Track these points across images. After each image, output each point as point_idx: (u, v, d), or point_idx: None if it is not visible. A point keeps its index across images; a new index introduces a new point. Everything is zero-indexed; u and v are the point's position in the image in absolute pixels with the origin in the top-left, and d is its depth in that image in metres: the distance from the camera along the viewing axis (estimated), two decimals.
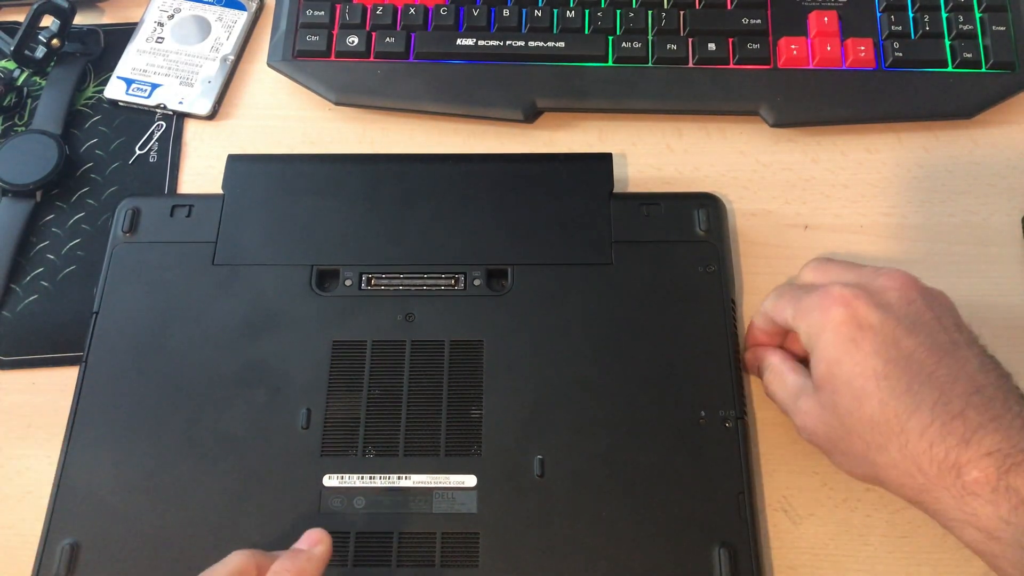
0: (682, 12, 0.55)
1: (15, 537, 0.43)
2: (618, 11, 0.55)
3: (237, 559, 0.35)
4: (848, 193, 0.52)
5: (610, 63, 0.54)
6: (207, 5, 0.59)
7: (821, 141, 0.54)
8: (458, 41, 0.54)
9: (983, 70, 0.53)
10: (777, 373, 0.42)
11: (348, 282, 0.47)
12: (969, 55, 0.53)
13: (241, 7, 0.59)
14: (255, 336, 0.45)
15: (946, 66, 0.54)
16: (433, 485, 0.41)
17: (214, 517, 0.41)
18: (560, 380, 0.44)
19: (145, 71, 0.57)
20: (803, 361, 0.42)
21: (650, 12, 0.55)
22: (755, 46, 0.54)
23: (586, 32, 0.55)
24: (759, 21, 0.55)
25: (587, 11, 0.55)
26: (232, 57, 0.57)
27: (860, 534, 0.42)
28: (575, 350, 0.44)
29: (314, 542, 0.37)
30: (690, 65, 0.54)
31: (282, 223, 0.48)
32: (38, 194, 0.53)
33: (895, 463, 0.36)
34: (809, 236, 0.51)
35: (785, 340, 0.44)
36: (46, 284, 0.50)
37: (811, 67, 0.54)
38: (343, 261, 0.47)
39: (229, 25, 0.58)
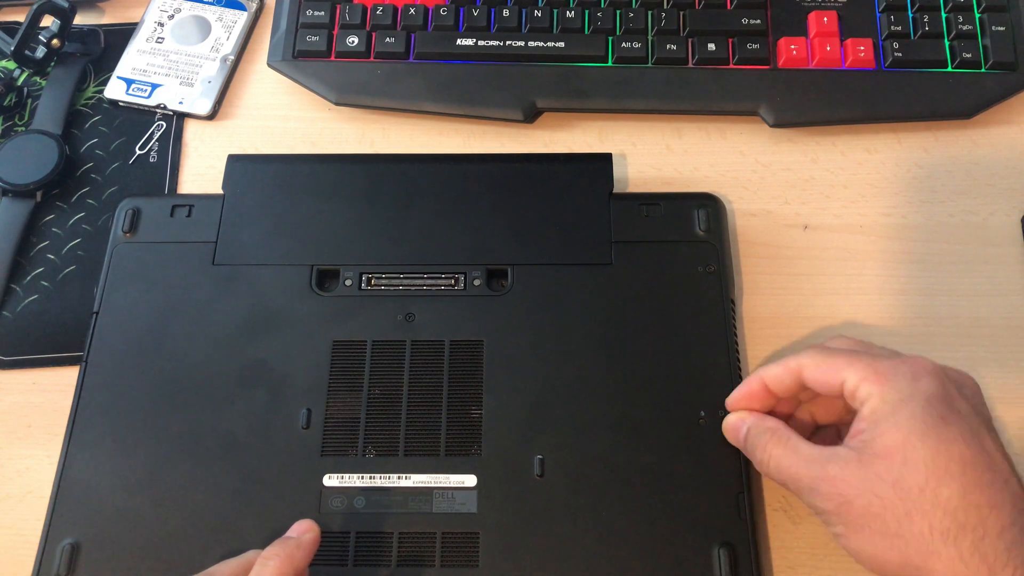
0: (682, 12, 0.55)
1: (15, 537, 0.43)
2: (618, 11, 0.55)
3: (252, 554, 0.36)
4: (848, 193, 0.52)
5: (610, 63, 0.54)
6: (207, 5, 0.59)
7: (821, 141, 0.54)
8: (458, 41, 0.54)
9: (983, 70, 0.53)
10: (782, 438, 0.38)
11: (348, 282, 0.47)
12: (969, 55, 0.53)
13: (241, 7, 0.59)
14: (255, 336, 0.45)
15: (946, 66, 0.54)
16: (433, 485, 0.42)
17: (214, 517, 0.41)
18: (560, 380, 0.44)
19: (145, 71, 0.57)
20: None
21: (650, 12, 0.55)
22: (755, 46, 0.54)
23: (586, 32, 0.55)
24: (759, 21, 0.55)
25: (587, 11, 0.55)
26: (232, 57, 0.57)
27: None
28: (575, 350, 0.44)
29: (303, 530, 0.38)
30: (690, 65, 0.54)
31: (282, 223, 0.48)
32: (38, 194, 0.53)
33: (963, 557, 0.33)
34: (809, 236, 0.51)
35: (776, 407, 0.41)
36: (46, 284, 0.50)
37: (811, 67, 0.54)
38: (343, 261, 0.47)
39: (229, 25, 0.58)
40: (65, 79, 0.56)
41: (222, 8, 0.59)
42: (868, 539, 0.35)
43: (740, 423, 0.41)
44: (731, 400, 0.42)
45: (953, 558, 0.33)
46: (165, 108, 0.56)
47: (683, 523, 0.40)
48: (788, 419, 0.41)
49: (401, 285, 0.47)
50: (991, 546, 0.33)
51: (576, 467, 0.42)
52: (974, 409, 0.36)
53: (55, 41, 0.56)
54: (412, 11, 0.55)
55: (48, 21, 0.56)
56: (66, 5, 0.55)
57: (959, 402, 0.36)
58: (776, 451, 0.38)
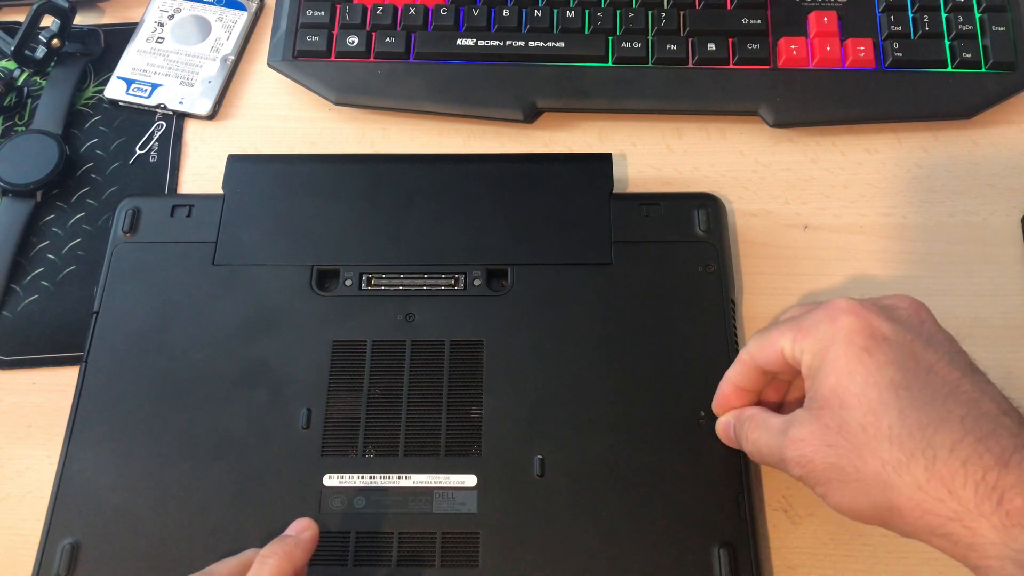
0: (682, 12, 0.55)
1: (15, 537, 0.43)
2: (618, 11, 0.55)
3: (251, 553, 0.36)
4: (848, 193, 0.52)
5: (610, 63, 0.54)
6: (207, 5, 0.59)
7: (821, 141, 0.54)
8: (458, 41, 0.54)
9: (983, 70, 0.53)
10: (758, 420, 0.39)
11: (348, 282, 0.47)
12: (969, 55, 0.53)
13: (241, 7, 0.59)
14: (255, 336, 0.45)
15: (946, 66, 0.54)
16: (433, 485, 0.42)
17: (214, 517, 0.41)
18: (560, 380, 0.44)
19: (145, 71, 0.57)
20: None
21: (650, 12, 0.55)
22: (755, 46, 0.54)
23: (586, 32, 0.55)
24: (759, 21, 0.55)
25: (587, 11, 0.55)
26: (232, 57, 0.57)
27: (860, 534, 0.42)
28: (575, 350, 0.44)
29: (302, 528, 0.38)
30: (690, 65, 0.54)
31: (282, 223, 0.48)
32: (38, 194, 0.53)
33: (920, 484, 0.31)
34: (809, 236, 0.51)
35: (764, 397, 0.42)
36: (46, 284, 0.50)
37: (811, 67, 0.54)
38: (343, 261, 0.47)
39: (229, 25, 0.58)
40: (65, 79, 0.56)
41: (222, 8, 0.59)
42: (839, 491, 0.34)
43: (727, 423, 0.41)
44: (714, 408, 0.42)
45: (911, 487, 0.31)
46: (165, 108, 0.56)
47: (683, 523, 0.40)
48: (780, 405, 0.42)
49: (401, 285, 0.47)
50: (945, 466, 0.31)
51: (576, 467, 0.42)
52: (909, 328, 0.35)
53: (55, 41, 0.56)
54: (412, 11, 0.55)
55: (48, 21, 0.56)
56: (66, 5, 0.55)
57: (883, 327, 0.35)
58: (754, 434, 0.38)
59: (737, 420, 0.40)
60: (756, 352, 0.39)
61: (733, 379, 0.41)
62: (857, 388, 0.34)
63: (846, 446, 0.33)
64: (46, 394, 0.47)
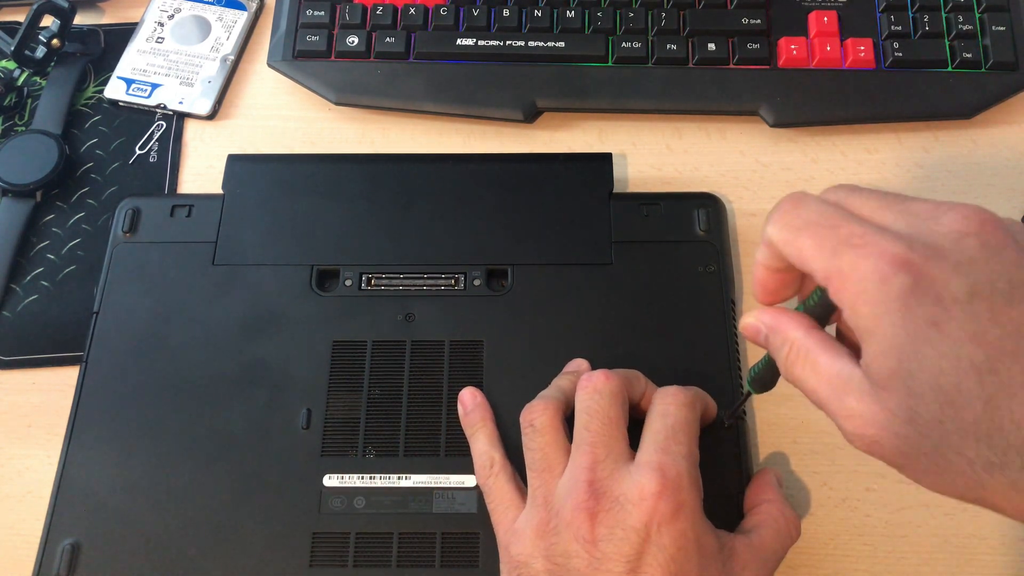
0: (682, 12, 0.55)
1: (15, 537, 0.43)
2: (618, 11, 0.55)
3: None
4: None
5: (610, 63, 0.54)
6: (207, 5, 0.59)
7: (821, 141, 0.54)
8: (458, 41, 0.54)
9: (983, 70, 0.53)
10: (803, 352, 0.31)
11: (348, 282, 0.47)
12: (969, 55, 0.53)
13: (241, 7, 0.59)
14: (255, 336, 0.45)
15: (946, 66, 0.54)
16: (433, 485, 0.42)
17: (214, 517, 0.41)
18: None
19: (145, 71, 0.57)
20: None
21: (650, 12, 0.55)
22: (755, 46, 0.54)
23: (586, 32, 0.55)
24: (759, 21, 0.55)
25: (587, 11, 0.55)
26: (232, 57, 0.57)
27: (860, 534, 0.42)
28: (575, 350, 0.44)
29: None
30: (690, 65, 0.54)
31: (282, 223, 0.48)
32: (38, 194, 0.53)
33: (1017, 486, 0.26)
34: None
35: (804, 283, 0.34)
36: (46, 284, 0.50)
37: (811, 67, 0.54)
38: (343, 261, 0.47)
39: (229, 25, 0.58)
40: (65, 79, 0.56)
41: (222, 8, 0.59)
42: (915, 475, 0.29)
43: (756, 327, 0.34)
44: (753, 292, 0.35)
45: (1007, 488, 0.26)
46: (165, 108, 0.56)
47: None
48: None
49: (401, 285, 0.47)
50: None
51: None
52: (985, 276, 0.27)
53: (55, 41, 0.56)
54: (412, 11, 0.55)
55: (48, 21, 0.56)
56: (66, 5, 0.55)
57: (952, 285, 0.27)
58: (799, 371, 0.31)
59: (771, 332, 0.33)
60: (782, 246, 0.31)
61: (761, 261, 0.33)
62: (929, 376, 0.27)
63: (919, 440, 0.27)
64: (46, 394, 0.47)
